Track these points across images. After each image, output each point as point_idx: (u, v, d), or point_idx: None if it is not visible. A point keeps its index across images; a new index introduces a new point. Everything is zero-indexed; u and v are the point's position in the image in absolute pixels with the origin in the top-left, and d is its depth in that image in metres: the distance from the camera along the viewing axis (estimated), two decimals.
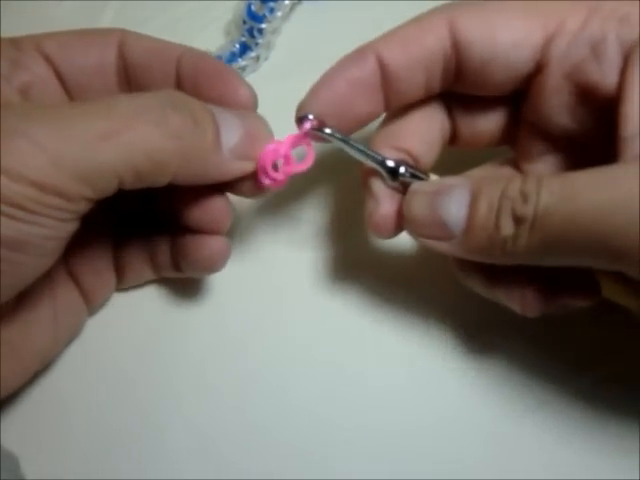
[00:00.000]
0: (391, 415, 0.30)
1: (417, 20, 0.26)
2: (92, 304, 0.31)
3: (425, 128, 0.28)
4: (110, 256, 0.31)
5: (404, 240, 0.28)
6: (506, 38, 0.25)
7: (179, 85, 0.28)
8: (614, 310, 0.25)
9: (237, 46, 0.37)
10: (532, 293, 0.25)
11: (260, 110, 0.36)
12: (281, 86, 0.37)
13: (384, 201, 0.27)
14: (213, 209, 0.28)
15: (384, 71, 0.26)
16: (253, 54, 0.37)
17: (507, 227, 0.22)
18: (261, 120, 0.27)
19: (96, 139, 0.22)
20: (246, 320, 0.32)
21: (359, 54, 0.26)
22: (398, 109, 0.28)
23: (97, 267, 0.30)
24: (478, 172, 0.29)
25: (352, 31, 0.37)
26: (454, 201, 0.24)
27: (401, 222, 0.27)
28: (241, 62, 0.37)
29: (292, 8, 0.38)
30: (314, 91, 0.27)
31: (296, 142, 0.27)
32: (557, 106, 0.25)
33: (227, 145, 0.25)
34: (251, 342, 0.31)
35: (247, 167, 0.26)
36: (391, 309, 0.31)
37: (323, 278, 0.32)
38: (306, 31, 0.38)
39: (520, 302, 0.25)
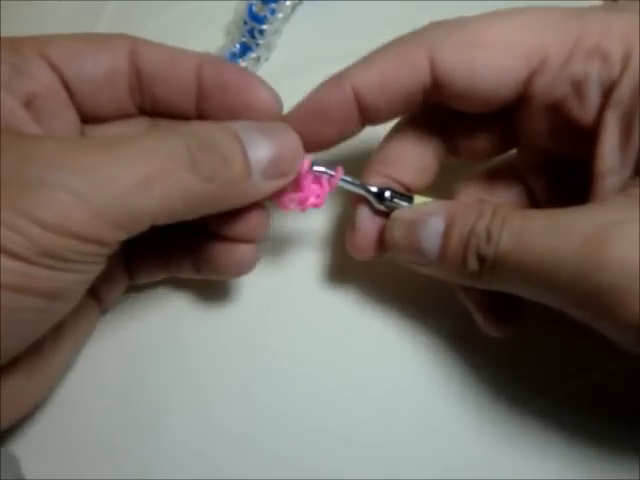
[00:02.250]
0: (390, 416, 0.30)
1: (395, 50, 0.26)
2: (104, 305, 0.30)
3: (417, 154, 0.28)
4: (121, 256, 0.30)
5: None
6: (489, 73, 0.25)
7: (200, 95, 0.27)
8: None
9: (237, 46, 0.37)
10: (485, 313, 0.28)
11: None
12: (281, 86, 0.36)
13: (362, 228, 0.28)
14: (250, 221, 0.27)
15: (360, 100, 0.26)
16: (254, 55, 0.37)
17: (472, 264, 0.24)
18: (290, 135, 0.27)
19: (135, 187, 0.22)
20: (246, 322, 0.32)
21: (335, 83, 0.27)
22: (392, 133, 0.29)
23: (109, 270, 0.29)
24: (465, 189, 0.29)
25: (352, 32, 0.38)
26: (429, 230, 0.26)
27: (381, 245, 0.28)
28: (241, 63, 0.37)
29: (293, 9, 0.38)
30: (290, 116, 0.27)
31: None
32: (540, 132, 0.26)
33: (257, 168, 0.25)
34: (252, 343, 0.31)
35: (279, 185, 0.26)
36: (391, 311, 0.32)
37: (324, 279, 0.32)
38: (307, 32, 0.38)
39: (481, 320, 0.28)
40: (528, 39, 0.25)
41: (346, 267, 0.32)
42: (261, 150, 0.25)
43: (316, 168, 0.27)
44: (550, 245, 0.22)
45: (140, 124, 0.29)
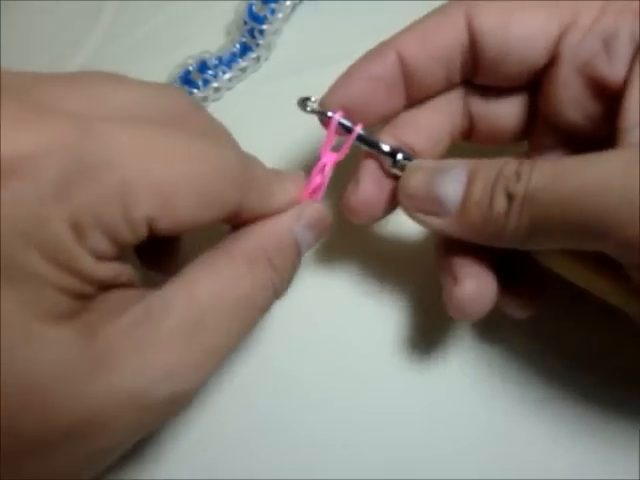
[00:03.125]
0: (395, 419, 0.30)
1: (436, 13, 0.27)
2: None
3: (434, 123, 0.28)
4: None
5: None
6: (521, 31, 0.25)
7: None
8: (614, 310, 0.25)
9: (237, 46, 0.37)
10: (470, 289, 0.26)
11: (260, 110, 0.36)
12: (282, 87, 0.37)
13: (365, 183, 0.27)
14: None
15: (404, 66, 0.26)
16: (254, 55, 0.37)
17: (500, 204, 0.23)
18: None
19: None
20: None
21: (379, 50, 0.27)
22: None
23: None
24: None
25: (352, 32, 0.38)
26: (452, 179, 0.25)
27: (380, 209, 0.27)
28: (242, 63, 0.37)
29: (293, 9, 0.38)
30: (335, 88, 0.27)
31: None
32: (567, 100, 0.26)
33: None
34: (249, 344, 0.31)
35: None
36: (395, 311, 0.32)
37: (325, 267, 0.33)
38: (307, 32, 0.38)
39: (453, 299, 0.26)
40: (559, 3, 0.25)
41: (345, 262, 0.32)
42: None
43: (340, 120, 0.27)
44: (591, 173, 0.21)
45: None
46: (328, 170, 0.27)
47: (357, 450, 0.29)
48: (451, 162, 0.25)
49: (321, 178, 0.26)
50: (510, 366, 0.30)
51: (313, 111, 0.27)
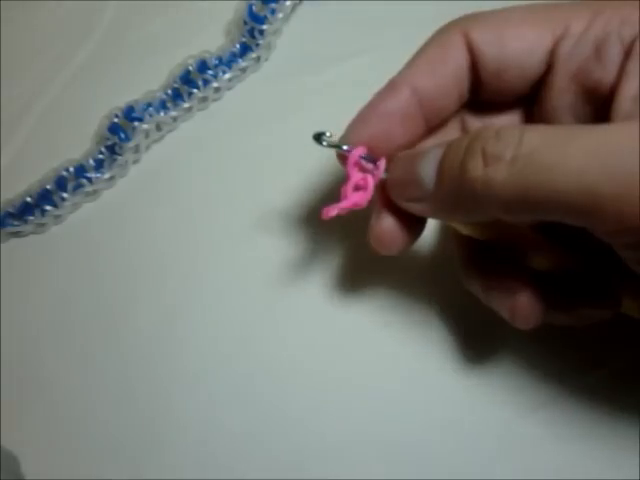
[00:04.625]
0: (397, 420, 0.30)
1: (436, 39, 0.27)
2: None
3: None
4: None
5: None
6: (518, 43, 0.26)
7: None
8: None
9: (237, 46, 0.37)
10: (526, 298, 0.25)
11: (260, 110, 0.36)
12: (282, 87, 0.37)
13: (386, 214, 0.27)
14: None
15: (420, 100, 0.26)
16: (254, 55, 0.37)
17: (476, 168, 0.21)
18: None
19: None
20: (244, 322, 0.32)
21: (392, 88, 0.27)
22: None
23: None
24: None
25: (352, 32, 0.38)
26: (430, 158, 0.24)
27: (404, 239, 0.26)
28: (242, 63, 0.37)
29: (293, 9, 0.38)
30: (353, 127, 0.27)
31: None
32: (563, 106, 0.26)
33: None
34: (249, 345, 0.31)
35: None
36: (396, 311, 0.31)
37: (325, 281, 0.32)
38: (307, 32, 0.38)
39: (510, 308, 0.25)
40: (550, 16, 0.26)
41: (349, 268, 0.32)
42: None
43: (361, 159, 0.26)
44: (599, 137, 0.20)
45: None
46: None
47: (364, 453, 0.29)
48: (431, 144, 0.25)
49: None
50: (510, 370, 0.30)
51: (331, 145, 0.26)
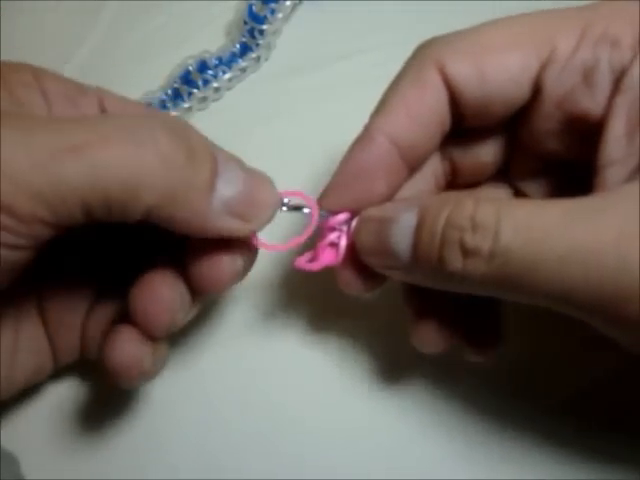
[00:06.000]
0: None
1: (409, 78, 0.25)
2: (59, 354, 0.28)
3: (419, 185, 0.27)
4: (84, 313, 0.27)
5: None
6: (498, 74, 0.24)
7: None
8: None
9: (237, 46, 0.37)
10: (431, 326, 0.25)
11: (260, 111, 0.36)
12: (281, 87, 0.37)
13: (351, 265, 0.26)
14: (218, 265, 0.24)
15: (399, 147, 0.25)
16: (254, 55, 0.37)
17: (454, 261, 0.21)
18: (268, 184, 0.24)
19: (59, 152, 0.19)
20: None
21: (368, 139, 0.25)
22: None
23: (70, 321, 0.27)
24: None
25: (352, 32, 0.38)
26: (401, 227, 0.23)
27: (370, 282, 0.26)
28: (242, 63, 0.37)
29: (293, 9, 0.38)
30: (334, 187, 0.26)
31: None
32: (548, 132, 0.25)
33: (221, 195, 0.22)
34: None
35: (235, 227, 0.23)
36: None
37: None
38: (306, 32, 0.38)
39: (415, 334, 0.26)
40: (535, 34, 0.24)
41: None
42: (233, 180, 0.23)
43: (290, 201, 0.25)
44: (581, 236, 0.19)
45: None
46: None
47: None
48: (402, 203, 0.24)
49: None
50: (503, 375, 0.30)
51: (293, 208, 0.25)
